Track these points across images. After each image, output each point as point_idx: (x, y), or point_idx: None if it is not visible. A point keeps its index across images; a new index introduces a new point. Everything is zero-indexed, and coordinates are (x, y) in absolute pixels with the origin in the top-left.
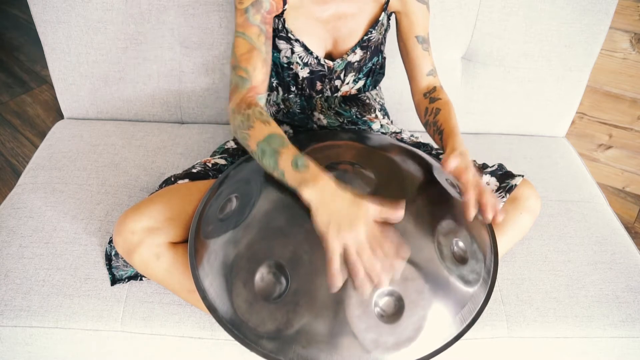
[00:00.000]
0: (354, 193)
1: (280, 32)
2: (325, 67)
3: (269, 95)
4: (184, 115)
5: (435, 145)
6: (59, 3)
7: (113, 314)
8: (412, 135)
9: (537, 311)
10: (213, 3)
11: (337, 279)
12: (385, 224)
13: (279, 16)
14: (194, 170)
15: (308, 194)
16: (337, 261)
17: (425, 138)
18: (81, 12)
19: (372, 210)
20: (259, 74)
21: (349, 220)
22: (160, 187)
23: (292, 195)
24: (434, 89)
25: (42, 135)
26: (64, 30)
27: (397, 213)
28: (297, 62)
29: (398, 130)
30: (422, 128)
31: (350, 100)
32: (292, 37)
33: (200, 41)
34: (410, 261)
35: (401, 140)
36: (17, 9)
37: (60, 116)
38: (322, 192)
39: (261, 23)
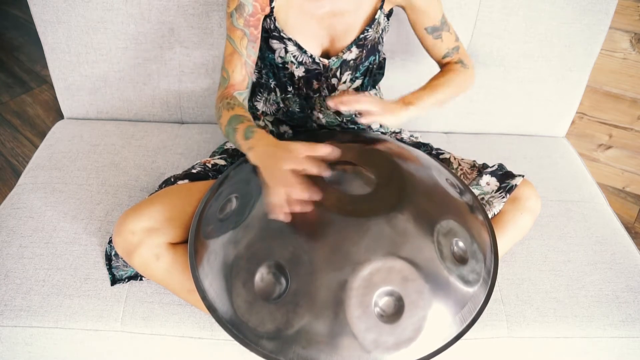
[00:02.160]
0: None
1: (272, 32)
2: (321, 66)
3: (268, 94)
4: (184, 115)
5: (435, 145)
6: (59, 3)
7: (113, 314)
8: (412, 136)
9: (537, 311)
10: (213, 3)
11: (280, 213)
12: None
13: (270, 15)
14: (194, 171)
15: (252, 156)
16: (276, 199)
17: (425, 138)
18: (81, 12)
19: (295, 149)
20: (238, 75)
21: (276, 163)
22: (160, 187)
23: None
24: (447, 63)
25: (42, 135)
26: (64, 30)
27: (323, 148)
28: (291, 62)
29: (398, 130)
30: (421, 128)
31: None
32: (284, 35)
33: (200, 41)
34: (410, 261)
35: (401, 140)
36: (17, 9)
37: (60, 116)
38: (262, 151)
39: (244, 26)
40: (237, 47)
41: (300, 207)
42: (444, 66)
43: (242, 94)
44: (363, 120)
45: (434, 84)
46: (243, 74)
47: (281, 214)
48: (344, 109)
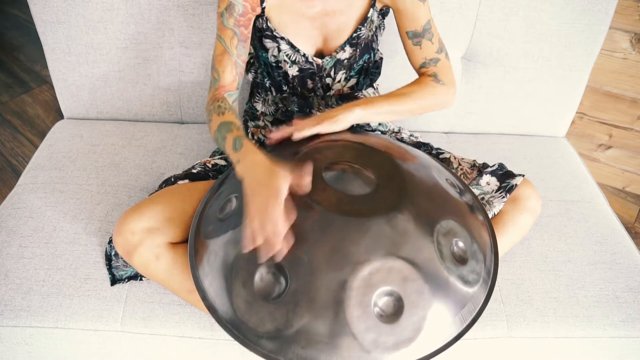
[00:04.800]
0: (275, 164)
1: (265, 31)
2: (314, 65)
3: (265, 95)
4: (184, 115)
5: (435, 145)
6: (59, 3)
7: (113, 314)
8: (411, 135)
9: (537, 311)
10: (213, 3)
11: (249, 245)
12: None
13: (261, 15)
14: (194, 171)
15: (238, 169)
16: (250, 230)
17: (425, 138)
18: (81, 12)
19: (283, 179)
20: (229, 75)
21: (261, 191)
22: (160, 187)
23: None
24: (422, 74)
25: (42, 135)
26: (64, 30)
27: (304, 181)
28: (284, 60)
29: (397, 129)
30: (421, 128)
31: (348, 98)
32: (277, 35)
33: (200, 41)
34: (410, 261)
35: (401, 140)
36: (17, 9)
37: (60, 116)
38: (248, 166)
39: (234, 26)
40: (228, 46)
41: (267, 248)
42: (419, 76)
43: (232, 95)
44: (297, 135)
45: (395, 93)
46: (234, 74)
47: (250, 247)
48: (275, 137)
